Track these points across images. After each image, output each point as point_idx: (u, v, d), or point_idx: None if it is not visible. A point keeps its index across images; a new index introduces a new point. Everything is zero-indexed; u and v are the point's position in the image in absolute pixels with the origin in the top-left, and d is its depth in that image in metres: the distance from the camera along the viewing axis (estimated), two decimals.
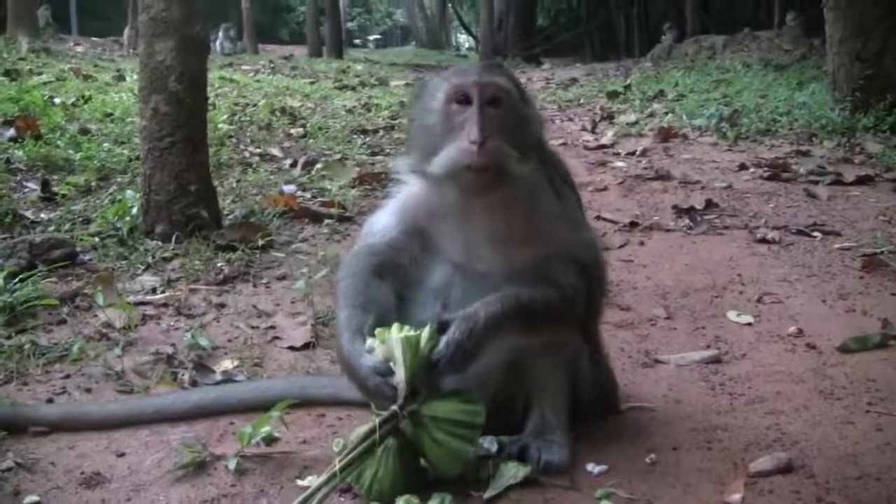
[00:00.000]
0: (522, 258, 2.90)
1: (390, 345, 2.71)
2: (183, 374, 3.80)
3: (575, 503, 2.77)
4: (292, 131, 10.53)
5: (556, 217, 2.96)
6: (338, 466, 2.59)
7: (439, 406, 2.74)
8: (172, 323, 4.43)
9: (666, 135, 10.76)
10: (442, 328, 2.75)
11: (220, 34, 29.57)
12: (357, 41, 54.92)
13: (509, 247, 2.91)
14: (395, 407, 2.69)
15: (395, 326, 2.74)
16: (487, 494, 2.77)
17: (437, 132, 2.85)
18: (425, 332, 2.72)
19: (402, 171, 3.04)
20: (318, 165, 8.11)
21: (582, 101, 16.02)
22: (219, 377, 3.79)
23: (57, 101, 10.29)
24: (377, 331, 2.77)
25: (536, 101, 3.11)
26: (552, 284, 2.87)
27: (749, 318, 4.52)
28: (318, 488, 2.59)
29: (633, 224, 6.47)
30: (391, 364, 2.72)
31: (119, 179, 6.96)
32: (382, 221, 3.06)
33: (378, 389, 2.77)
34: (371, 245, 3.04)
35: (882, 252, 5.48)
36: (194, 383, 3.74)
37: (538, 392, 3.03)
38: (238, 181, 7.43)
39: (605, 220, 6.58)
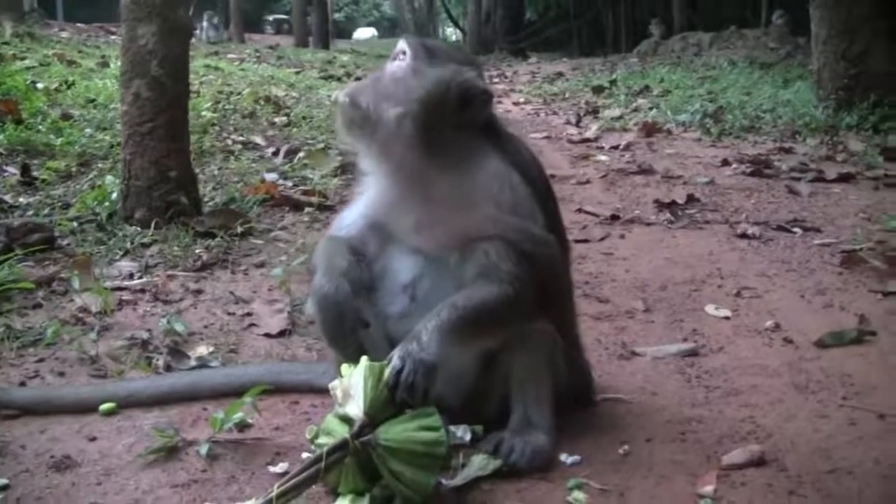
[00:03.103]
0: (464, 237, 2.87)
1: (354, 377, 2.65)
2: (158, 360, 3.78)
3: (547, 494, 2.76)
4: (276, 120, 10.50)
5: (498, 201, 2.91)
6: (275, 493, 2.46)
7: (399, 434, 2.60)
8: (149, 308, 4.40)
9: (650, 130, 10.78)
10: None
11: (205, 22, 29.44)
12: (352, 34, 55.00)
13: (451, 228, 2.88)
14: (346, 435, 2.57)
15: (364, 359, 2.70)
16: (454, 483, 2.75)
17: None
18: (390, 365, 2.67)
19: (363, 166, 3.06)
20: (301, 154, 8.09)
21: (567, 96, 16.05)
22: (194, 363, 3.78)
23: (40, 85, 10.21)
24: (342, 367, 2.73)
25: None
26: (493, 276, 2.82)
27: (727, 312, 4.52)
28: None
29: (615, 217, 6.47)
30: (350, 395, 2.64)
31: (100, 165, 6.91)
32: (349, 217, 3.08)
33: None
34: (340, 238, 3.04)
35: (861, 249, 5.49)
36: (169, 368, 3.72)
37: (519, 389, 3.00)
38: (220, 169, 7.40)
39: (586, 212, 6.57)
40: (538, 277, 2.89)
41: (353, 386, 2.64)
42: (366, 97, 2.90)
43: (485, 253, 2.83)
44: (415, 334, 2.74)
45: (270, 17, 40.50)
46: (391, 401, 2.65)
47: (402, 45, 2.99)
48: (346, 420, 2.63)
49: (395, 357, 2.69)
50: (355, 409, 2.61)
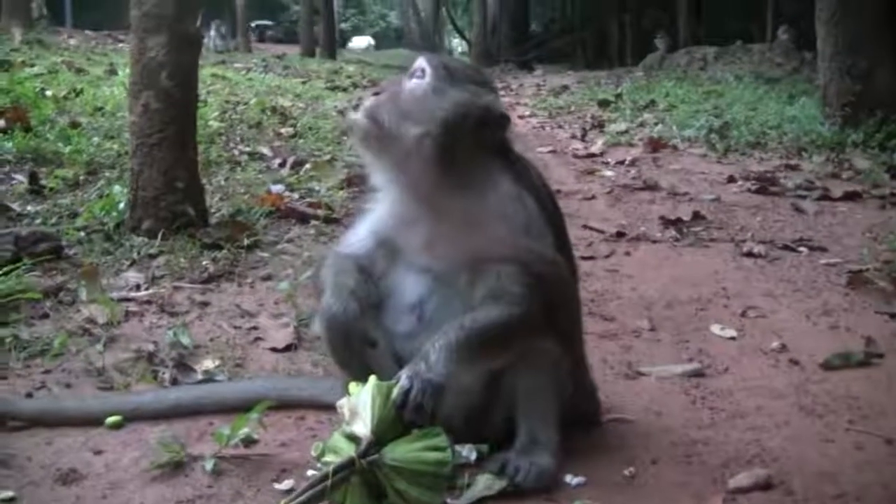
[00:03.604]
0: (475, 258, 2.88)
1: (362, 396, 2.64)
2: (164, 373, 3.79)
3: None
4: (282, 131, 10.51)
5: (510, 222, 2.92)
6: None
7: (404, 453, 2.60)
8: (155, 320, 4.41)
9: (655, 145, 10.78)
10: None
11: (213, 31, 29.47)
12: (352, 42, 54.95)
13: (462, 247, 2.88)
14: (353, 454, 2.57)
15: (372, 379, 2.69)
16: (459, 503, 2.76)
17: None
18: (398, 386, 2.67)
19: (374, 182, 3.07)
20: (307, 166, 8.10)
21: (573, 109, 16.04)
22: (200, 376, 3.78)
23: (48, 93, 10.25)
24: (351, 385, 2.72)
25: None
26: (502, 297, 2.84)
27: (733, 332, 4.52)
28: None
29: (620, 234, 6.47)
30: (357, 413, 2.64)
31: (107, 174, 6.92)
32: (358, 233, 3.07)
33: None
34: (347, 255, 3.05)
35: (868, 269, 5.49)
36: (175, 382, 3.73)
37: (524, 408, 2.99)
38: (226, 179, 7.41)
39: (591, 229, 6.57)
40: (547, 298, 2.90)
41: (360, 405, 2.64)
42: (385, 114, 2.90)
43: (496, 274, 2.85)
44: (423, 354, 2.74)
45: (253, 24, 40.16)
46: (398, 421, 2.64)
47: (421, 62, 2.98)
48: (353, 438, 2.62)
49: (404, 377, 2.69)
50: (362, 427, 2.61)
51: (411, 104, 2.90)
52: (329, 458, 2.65)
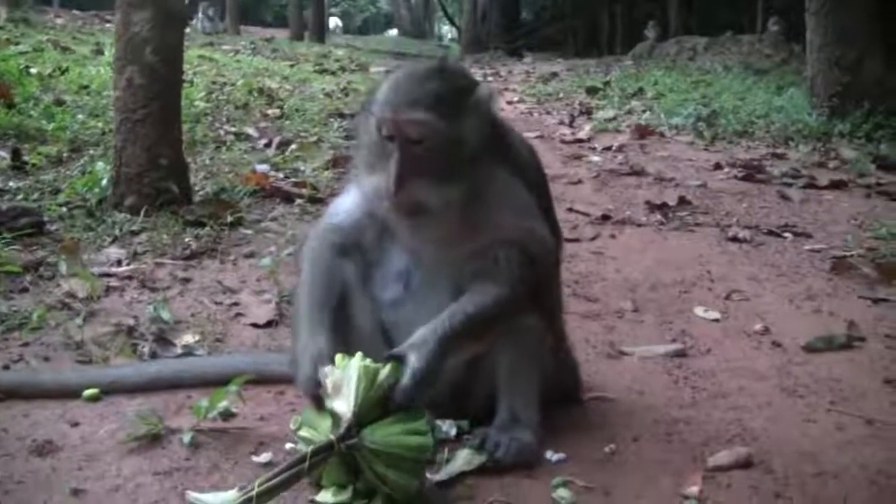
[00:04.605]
0: (471, 244, 2.87)
1: (347, 372, 2.60)
2: (143, 347, 3.76)
3: (532, 490, 2.75)
4: (269, 112, 10.46)
5: (504, 206, 2.90)
6: (256, 491, 2.42)
7: (384, 437, 2.56)
8: (136, 295, 4.38)
9: (643, 132, 10.77)
10: (399, 360, 2.68)
11: (200, 13, 29.32)
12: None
13: (456, 233, 2.86)
14: (332, 436, 2.53)
15: (358, 356, 2.64)
16: (438, 478, 2.75)
17: (371, 156, 2.86)
18: (385, 368, 2.63)
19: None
20: (293, 146, 8.07)
21: (561, 96, 16.01)
22: (179, 351, 3.76)
23: (33, 71, 10.16)
24: (338, 356, 2.68)
25: (488, 94, 2.95)
26: (497, 279, 2.84)
27: (716, 315, 4.52)
28: None
29: (605, 217, 6.46)
30: (340, 391, 2.59)
31: (91, 151, 6.87)
32: (346, 203, 3.04)
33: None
34: (335, 224, 3.02)
35: (852, 255, 5.51)
36: (154, 356, 3.70)
37: (506, 384, 2.99)
38: (211, 158, 7.37)
39: (577, 212, 6.56)
40: (536, 276, 2.91)
41: (345, 381, 2.60)
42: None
43: (490, 255, 2.86)
44: (417, 342, 2.72)
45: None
46: (382, 404, 2.61)
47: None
48: (333, 416, 2.60)
49: (409, 358, 2.68)
50: (344, 407, 2.57)
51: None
52: (305, 432, 2.63)
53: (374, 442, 2.54)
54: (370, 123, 2.85)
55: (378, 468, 2.54)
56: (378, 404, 2.61)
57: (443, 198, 2.77)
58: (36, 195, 5.68)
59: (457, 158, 2.81)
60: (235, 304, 4.36)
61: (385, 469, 2.54)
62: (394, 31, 56.88)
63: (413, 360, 2.67)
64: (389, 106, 2.80)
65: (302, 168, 7.34)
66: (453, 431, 3.02)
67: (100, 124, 7.73)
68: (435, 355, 2.70)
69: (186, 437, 2.96)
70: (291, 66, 17.75)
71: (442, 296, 2.88)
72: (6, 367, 3.53)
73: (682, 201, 6.93)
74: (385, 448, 2.55)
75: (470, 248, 2.88)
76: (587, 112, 13.21)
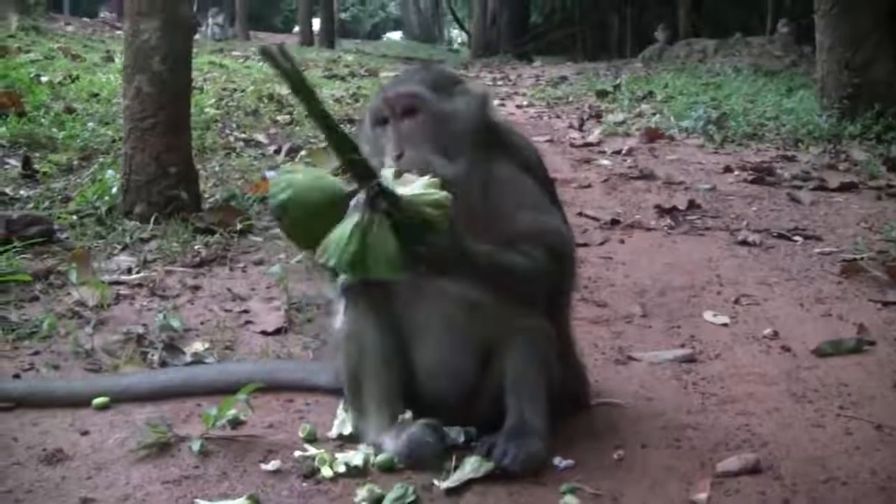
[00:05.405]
0: (484, 240, 2.85)
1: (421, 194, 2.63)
2: (153, 355, 3.77)
3: (540, 497, 2.75)
4: (279, 118, 10.48)
5: (516, 200, 2.93)
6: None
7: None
8: (146, 303, 4.39)
9: (653, 135, 10.74)
10: None
11: (210, 19, 29.38)
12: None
13: (468, 229, 2.84)
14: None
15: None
16: (445, 485, 2.76)
17: (371, 154, 2.85)
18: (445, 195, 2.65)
19: None
20: (303, 153, 8.06)
21: (571, 99, 15.99)
22: (189, 359, 3.77)
23: (44, 79, 10.20)
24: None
25: (478, 89, 3.06)
26: (522, 255, 2.87)
27: (725, 319, 4.51)
28: None
29: (615, 222, 6.45)
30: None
31: (101, 159, 6.88)
32: None
33: None
34: None
35: (862, 258, 5.48)
36: (164, 364, 3.72)
37: (514, 389, 2.99)
38: (221, 165, 7.39)
39: (586, 216, 6.55)
40: (555, 267, 2.95)
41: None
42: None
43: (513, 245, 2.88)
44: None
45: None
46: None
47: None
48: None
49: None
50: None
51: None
52: None
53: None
54: (367, 121, 2.96)
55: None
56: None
57: (445, 168, 2.79)
58: (46, 203, 5.71)
59: (454, 136, 2.86)
60: (245, 311, 4.37)
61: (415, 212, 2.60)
62: (397, 34, 56.84)
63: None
64: (382, 91, 2.97)
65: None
66: (461, 438, 3.02)
67: (110, 132, 7.76)
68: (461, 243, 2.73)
69: (195, 446, 2.97)
70: (301, 71, 17.76)
71: (455, 296, 2.90)
72: (17, 376, 3.55)
73: (692, 205, 6.91)
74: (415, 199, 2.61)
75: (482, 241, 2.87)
76: (597, 116, 13.18)
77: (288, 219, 2.71)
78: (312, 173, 2.79)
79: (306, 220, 2.69)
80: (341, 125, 2.76)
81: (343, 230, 2.59)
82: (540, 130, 11.31)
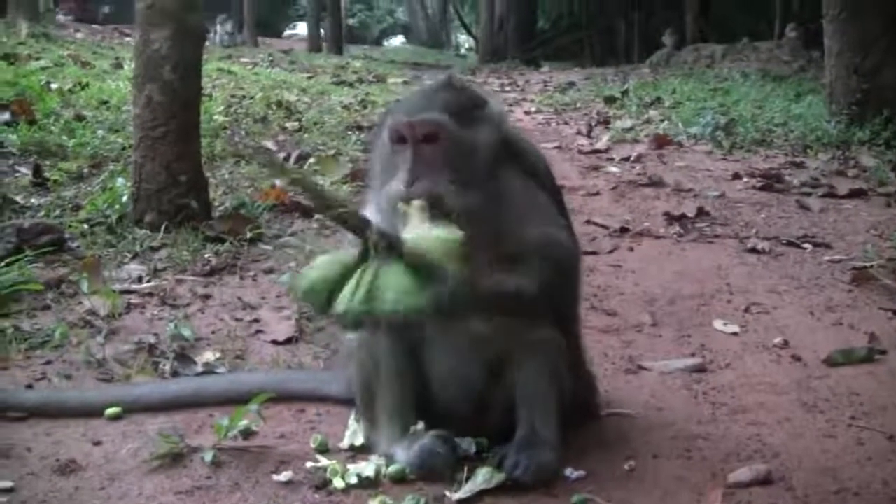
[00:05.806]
0: (492, 252, 2.86)
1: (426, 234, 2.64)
2: (164, 365, 3.79)
3: None
4: (287, 125, 10.48)
5: (523, 211, 2.94)
6: None
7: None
8: (157, 312, 4.41)
9: (661, 142, 10.73)
10: None
11: (218, 26, 29.45)
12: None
13: (476, 242, 2.82)
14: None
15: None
16: (457, 496, 2.76)
17: (384, 169, 2.88)
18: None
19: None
20: (312, 160, 8.08)
21: (579, 106, 15.98)
22: (200, 368, 3.78)
23: (54, 86, 10.22)
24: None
25: (497, 102, 3.07)
26: (528, 273, 2.86)
27: (735, 328, 4.50)
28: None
29: (624, 229, 6.45)
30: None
31: (112, 167, 6.90)
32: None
33: None
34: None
35: (872, 266, 5.47)
36: (175, 374, 3.73)
37: (525, 400, 2.99)
38: (230, 173, 7.40)
39: (595, 224, 6.55)
40: (559, 280, 2.94)
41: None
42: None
43: (519, 262, 2.87)
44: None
45: None
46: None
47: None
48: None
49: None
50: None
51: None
52: None
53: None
54: (384, 135, 2.90)
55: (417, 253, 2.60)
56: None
57: (459, 198, 2.78)
58: (57, 212, 5.72)
59: (471, 164, 2.85)
60: (256, 320, 4.38)
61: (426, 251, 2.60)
62: (399, 39, 56.85)
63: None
64: (403, 111, 2.89)
65: (321, 182, 7.36)
66: (472, 449, 3.02)
67: (120, 140, 7.77)
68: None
69: (208, 456, 2.97)
70: (309, 77, 17.80)
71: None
72: (29, 386, 3.56)
73: (701, 212, 6.90)
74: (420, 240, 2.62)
75: (491, 257, 2.87)
76: (605, 122, 13.17)
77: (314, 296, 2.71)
78: (327, 257, 2.79)
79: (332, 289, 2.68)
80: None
81: (350, 281, 2.62)
82: (548, 137, 11.31)
